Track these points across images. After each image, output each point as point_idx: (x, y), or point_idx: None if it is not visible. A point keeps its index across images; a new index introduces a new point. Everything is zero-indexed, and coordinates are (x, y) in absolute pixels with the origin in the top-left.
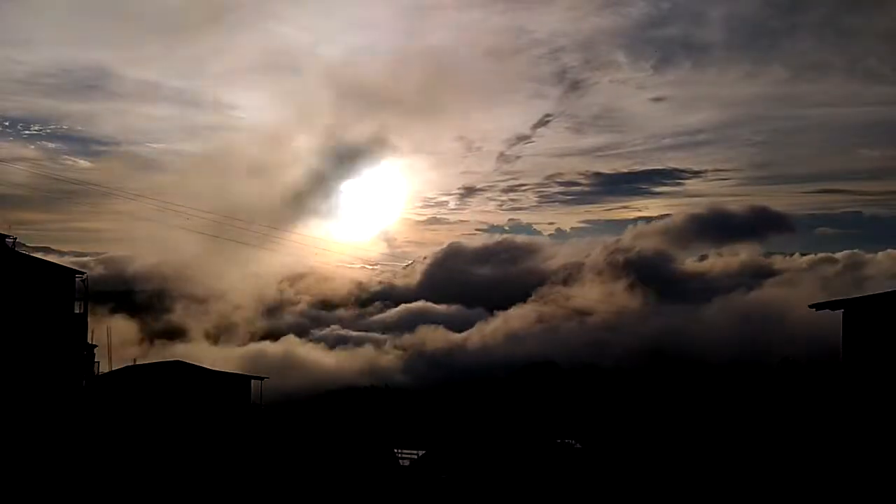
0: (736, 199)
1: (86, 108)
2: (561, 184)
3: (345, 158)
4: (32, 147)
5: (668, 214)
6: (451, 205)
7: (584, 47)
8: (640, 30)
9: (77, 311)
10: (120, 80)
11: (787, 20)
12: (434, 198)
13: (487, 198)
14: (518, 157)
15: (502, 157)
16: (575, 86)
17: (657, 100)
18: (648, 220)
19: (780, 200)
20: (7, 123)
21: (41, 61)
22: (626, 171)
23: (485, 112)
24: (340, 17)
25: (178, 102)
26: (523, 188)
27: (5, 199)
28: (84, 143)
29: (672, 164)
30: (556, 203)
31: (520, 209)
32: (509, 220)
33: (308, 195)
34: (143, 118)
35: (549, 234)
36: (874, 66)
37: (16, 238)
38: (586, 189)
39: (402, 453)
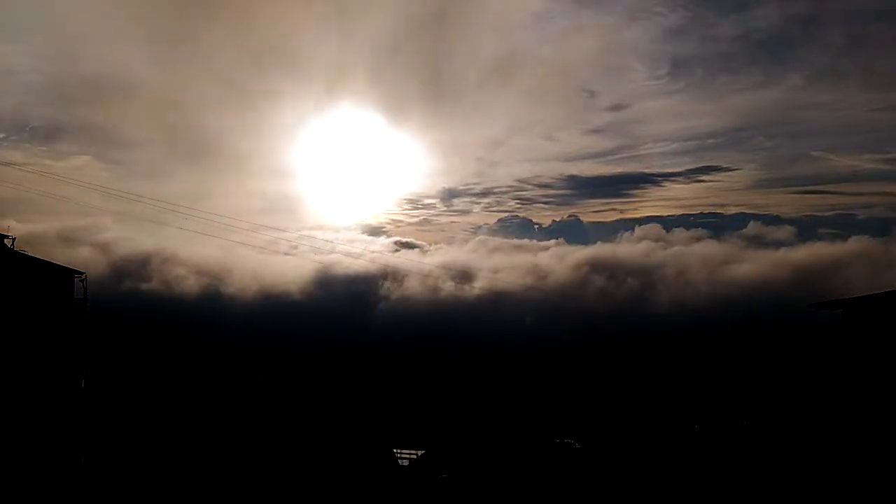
0: (722, 200)
1: None
2: (539, 186)
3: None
4: None
5: (656, 216)
6: (440, 206)
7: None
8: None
9: (76, 311)
10: None
11: (803, 29)
12: (419, 199)
13: (470, 200)
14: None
15: (480, 160)
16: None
17: (617, 107)
18: (638, 221)
19: (766, 202)
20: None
21: None
22: (617, 173)
23: (466, 118)
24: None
25: None
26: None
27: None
28: None
29: (657, 169)
30: (539, 204)
31: (505, 210)
32: (498, 220)
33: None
34: None
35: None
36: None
37: (15, 238)
38: (565, 192)
39: (401, 453)
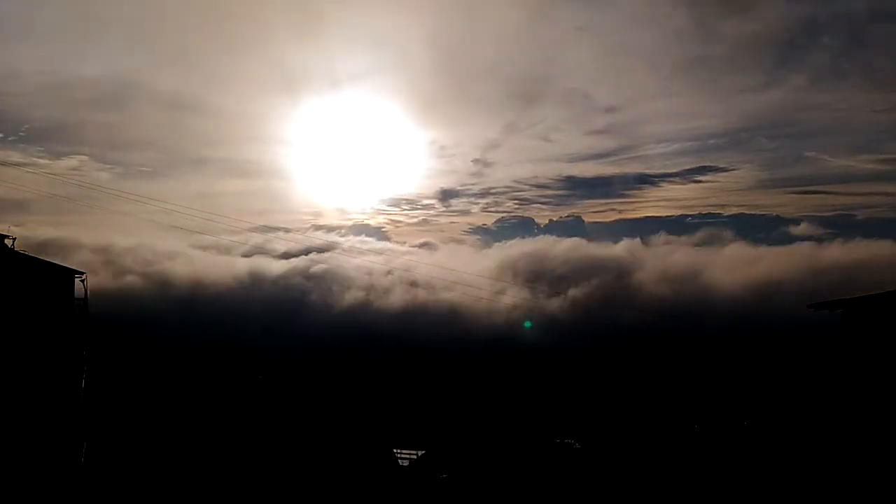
0: (722, 200)
1: None
2: (537, 186)
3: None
4: None
5: (656, 216)
6: (439, 207)
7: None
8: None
9: (76, 311)
10: None
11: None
12: (418, 200)
13: (468, 201)
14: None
15: (478, 161)
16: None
17: (617, 108)
18: (637, 221)
19: (766, 202)
20: None
21: None
22: (616, 174)
23: (456, 123)
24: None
25: None
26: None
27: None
28: None
29: (658, 170)
30: (537, 205)
31: (503, 211)
32: (495, 221)
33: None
34: None
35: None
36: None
37: (15, 238)
38: (563, 193)
39: (401, 453)
